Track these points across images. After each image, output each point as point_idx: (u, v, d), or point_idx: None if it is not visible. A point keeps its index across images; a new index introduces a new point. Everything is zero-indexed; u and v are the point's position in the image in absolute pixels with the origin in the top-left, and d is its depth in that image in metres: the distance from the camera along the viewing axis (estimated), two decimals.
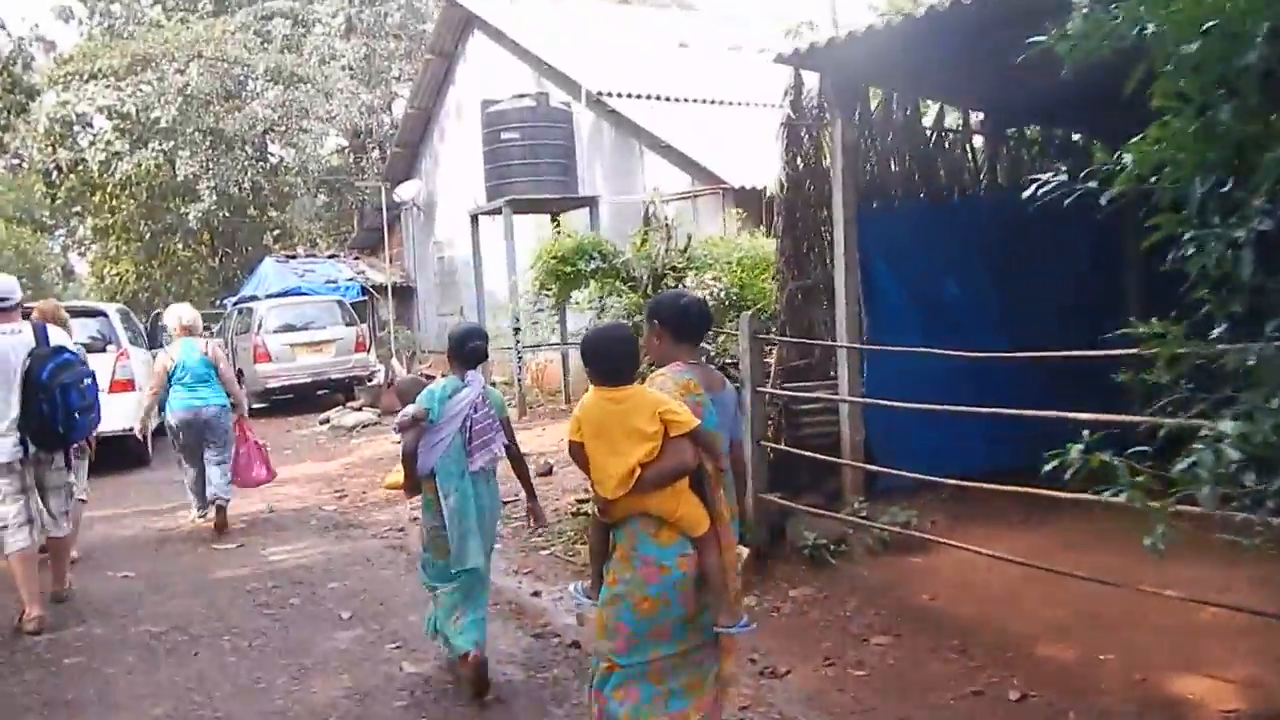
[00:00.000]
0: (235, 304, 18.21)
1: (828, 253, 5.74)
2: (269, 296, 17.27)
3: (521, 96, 11.86)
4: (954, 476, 4.85)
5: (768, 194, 8.97)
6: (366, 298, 18.95)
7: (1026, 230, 6.50)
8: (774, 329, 5.91)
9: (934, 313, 6.06)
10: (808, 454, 5.54)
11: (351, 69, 25.62)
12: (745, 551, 3.38)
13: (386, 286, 18.97)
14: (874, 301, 5.82)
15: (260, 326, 15.12)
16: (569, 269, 6.13)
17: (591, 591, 3.11)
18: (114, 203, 26.00)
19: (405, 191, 19.04)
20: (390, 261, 21.69)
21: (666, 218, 6.51)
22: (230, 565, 6.44)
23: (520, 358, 11.72)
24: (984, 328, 6.15)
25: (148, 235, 26.91)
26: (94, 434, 5.85)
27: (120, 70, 22.17)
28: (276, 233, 28.91)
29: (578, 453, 3.00)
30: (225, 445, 7.48)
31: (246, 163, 23.78)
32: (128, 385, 10.52)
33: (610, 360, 2.96)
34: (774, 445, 5.56)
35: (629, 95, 12.95)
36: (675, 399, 2.89)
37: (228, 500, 7.45)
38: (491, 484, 4.35)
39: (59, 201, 26.23)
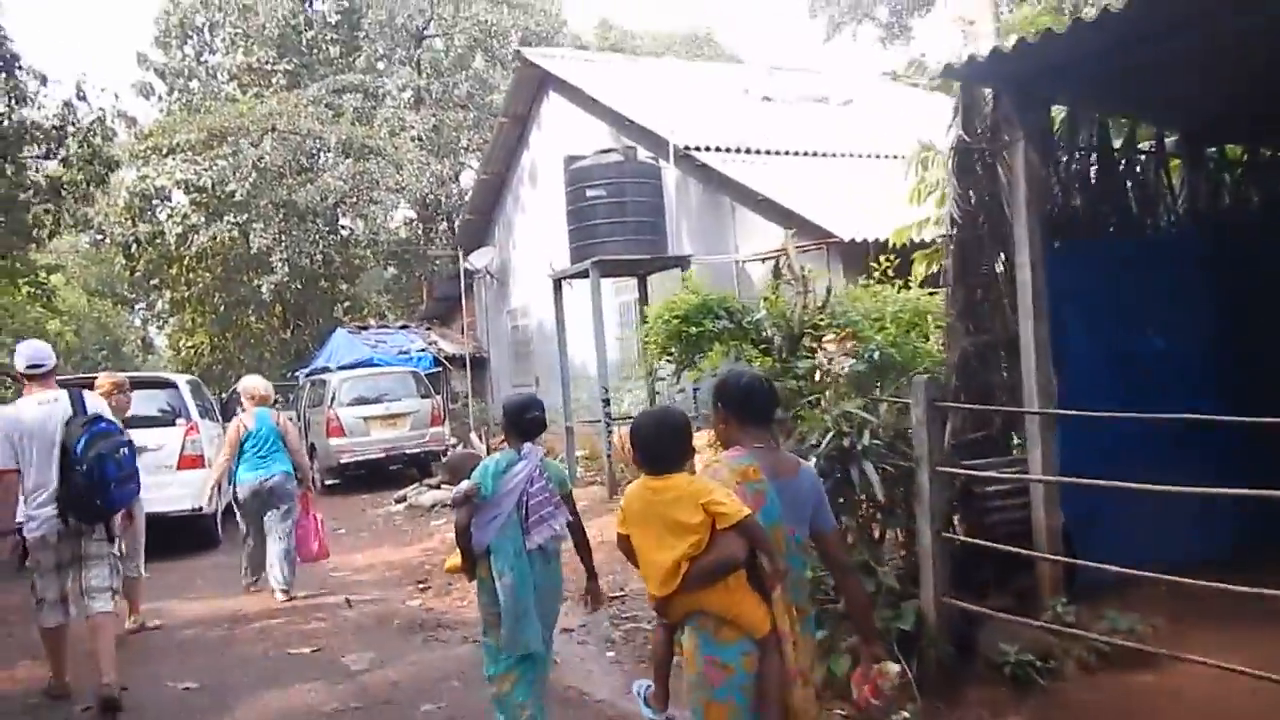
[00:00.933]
0: (308, 376, 17.73)
1: (1007, 302, 4.80)
2: (341, 368, 16.79)
3: (607, 151, 11.22)
4: (1166, 567, 3.99)
5: (892, 243, 8.12)
6: (440, 369, 18.36)
7: (1236, 269, 5.56)
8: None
9: (1133, 371, 5.06)
10: (997, 546, 4.55)
11: (421, 140, 25.65)
12: (895, 669, 3.05)
13: (464, 357, 18.38)
14: (1062, 359, 4.85)
15: (334, 399, 14.52)
16: (694, 329, 5.29)
17: (655, 700, 2.97)
18: (190, 275, 26.17)
19: (479, 259, 18.56)
20: (463, 331, 21.21)
21: (804, 268, 5.66)
22: (306, 677, 5.57)
23: (610, 431, 10.85)
24: (1194, 388, 5.15)
25: (222, 307, 27.01)
26: (138, 507, 5.73)
27: (197, 145, 22.35)
28: (346, 305, 28.90)
29: (625, 545, 2.86)
30: (288, 514, 7.56)
31: (318, 235, 23.69)
32: (197, 461, 9.94)
33: (652, 447, 2.83)
34: (957, 536, 4.58)
35: (717, 149, 12.24)
36: (729, 487, 2.72)
37: (288, 587, 7.50)
38: (552, 564, 4.07)
39: (138, 274, 26.51)
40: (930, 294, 5.49)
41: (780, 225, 11.14)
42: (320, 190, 23.26)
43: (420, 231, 29.92)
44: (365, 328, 21.58)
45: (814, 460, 4.63)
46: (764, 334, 5.54)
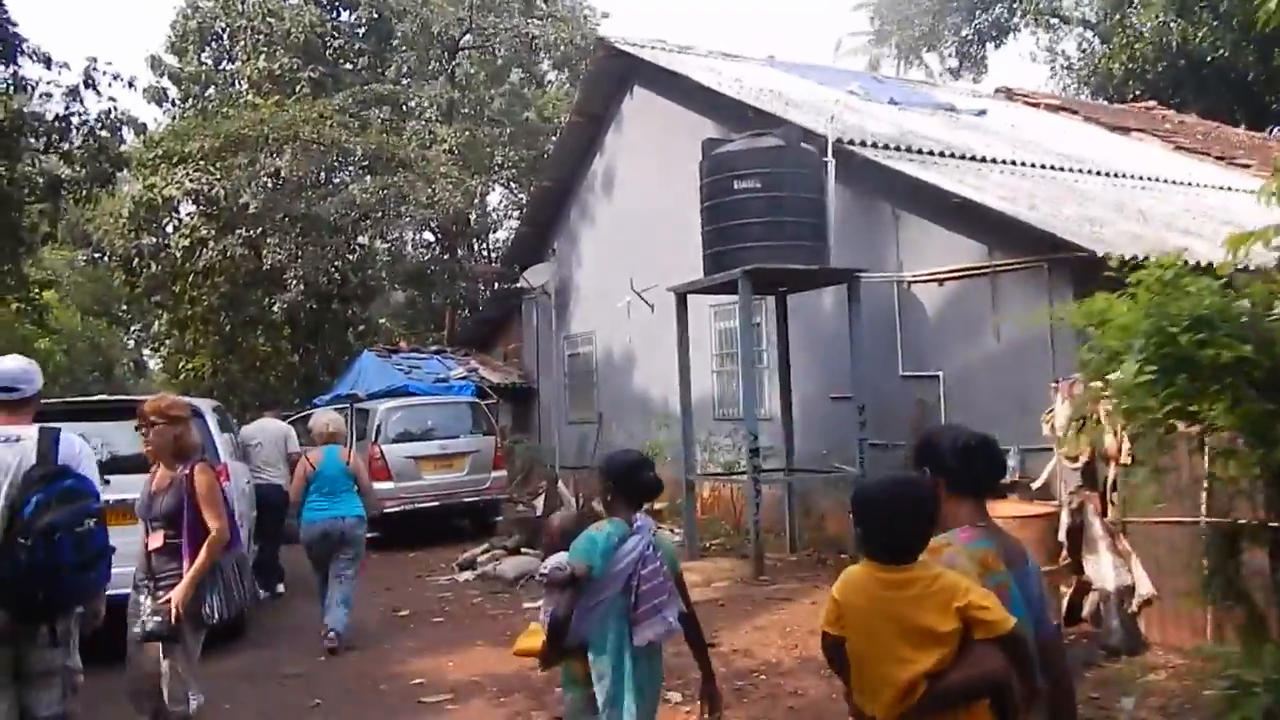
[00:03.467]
0: (351, 404, 15.13)
1: None
2: (370, 396, 14.35)
3: (761, 134, 8.91)
4: None
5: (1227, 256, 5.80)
6: (491, 400, 15.85)
7: None
8: None
9: None
10: None
11: (453, 153, 23.59)
12: None
13: (513, 387, 16.02)
14: None
15: (378, 433, 12.01)
16: (1211, 355, 2.94)
17: None
18: (195, 293, 23.91)
19: (536, 277, 16.19)
20: (505, 359, 18.85)
21: None
22: None
23: (758, 491, 8.41)
24: None
25: (228, 327, 24.69)
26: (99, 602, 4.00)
27: (210, 153, 20.27)
28: (361, 328, 26.63)
29: (835, 651, 2.29)
30: (355, 560, 7.21)
31: (336, 252, 21.46)
32: None
33: (890, 527, 2.20)
34: None
35: (874, 145, 9.95)
36: (973, 582, 2.16)
37: (340, 634, 7.00)
38: (656, 663, 3.37)
39: (139, 290, 24.30)
40: None
41: (968, 237, 8.85)
42: (344, 203, 21.09)
43: (440, 253, 27.83)
44: (395, 350, 19.23)
45: None
46: None
